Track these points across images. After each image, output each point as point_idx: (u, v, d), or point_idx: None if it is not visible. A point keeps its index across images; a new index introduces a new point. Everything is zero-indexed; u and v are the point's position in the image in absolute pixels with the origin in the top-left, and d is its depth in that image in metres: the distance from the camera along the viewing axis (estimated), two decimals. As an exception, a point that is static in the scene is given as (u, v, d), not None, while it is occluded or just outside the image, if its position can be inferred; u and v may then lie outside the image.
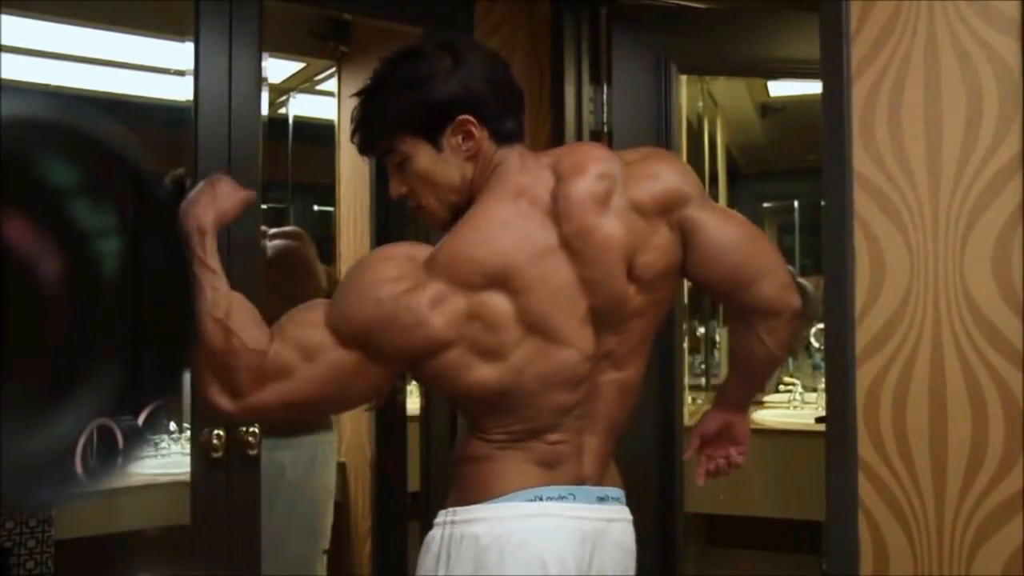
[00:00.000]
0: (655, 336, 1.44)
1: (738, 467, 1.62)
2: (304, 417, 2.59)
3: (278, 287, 2.50)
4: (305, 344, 1.25)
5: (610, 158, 1.37)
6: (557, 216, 1.31)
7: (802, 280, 4.39)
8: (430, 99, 1.32)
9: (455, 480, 1.39)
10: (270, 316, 1.30)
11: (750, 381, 1.59)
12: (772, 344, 1.46)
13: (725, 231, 1.40)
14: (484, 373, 1.28)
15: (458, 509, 1.34)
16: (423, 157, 1.34)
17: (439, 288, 1.25)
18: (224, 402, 1.25)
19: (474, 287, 1.26)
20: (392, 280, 1.25)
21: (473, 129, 1.32)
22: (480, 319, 1.26)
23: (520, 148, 1.37)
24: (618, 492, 1.44)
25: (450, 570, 1.31)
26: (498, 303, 1.26)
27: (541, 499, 1.33)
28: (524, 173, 1.34)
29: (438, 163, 1.34)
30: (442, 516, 1.35)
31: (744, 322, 1.47)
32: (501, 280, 1.26)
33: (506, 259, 1.27)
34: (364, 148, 1.40)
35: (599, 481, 1.41)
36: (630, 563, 1.43)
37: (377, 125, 1.36)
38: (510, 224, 1.30)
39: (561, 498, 1.34)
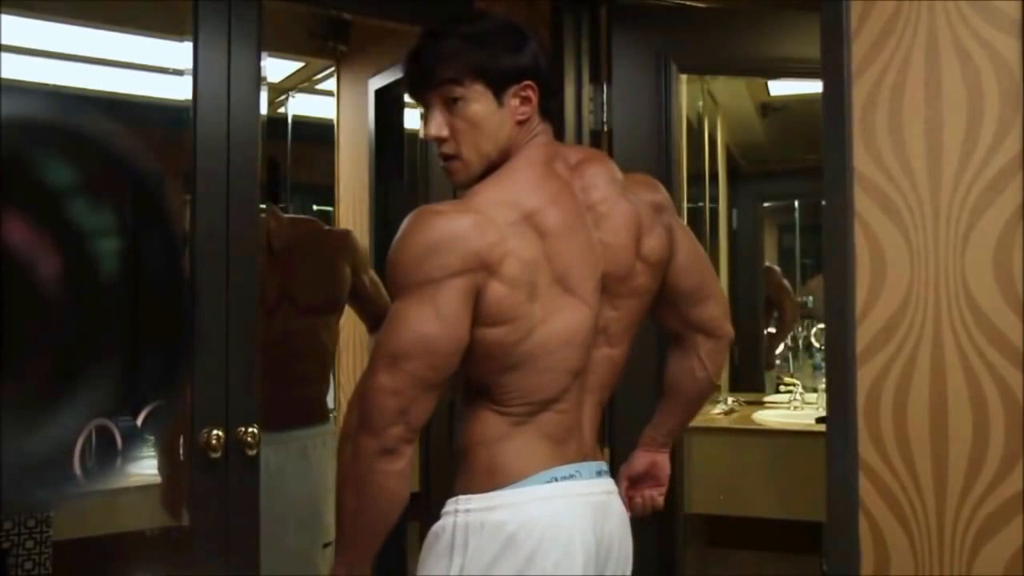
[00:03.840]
0: (637, 331, 1.51)
1: (658, 508, 1.68)
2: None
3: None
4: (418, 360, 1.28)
5: (613, 165, 1.51)
6: (584, 187, 1.41)
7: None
8: (508, 57, 1.38)
9: (467, 466, 1.38)
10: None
11: (685, 410, 1.67)
12: (711, 368, 1.60)
13: (694, 249, 1.57)
14: (532, 309, 1.31)
15: (473, 497, 1.34)
16: (483, 104, 1.38)
17: (478, 217, 1.29)
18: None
19: (510, 223, 1.31)
20: (432, 227, 1.29)
21: (532, 95, 1.40)
22: (513, 254, 1.29)
23: (550, 128, 1.46)
24: (607, 466, 1.50)
25: (468, 559, 1.31)
26: (531, 238, 1.31)
27: (556, 479, 1.36)
28: (553, 146, 1.44)
29: (493, 115, 1.38)
30: (452, 505, 1.36)
31: (686, 347, 1.61)
32: (533, 220, 1.32)
33: (539, 204, 1.34)
34: (426, 78, 1.40)
35: (595, 456, 1.46)
36: (628, 532, 1.49)
37: (450, 60, 1.38)
38: (544, 183, 1.37)
39: (571, 476, 1.38)
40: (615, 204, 1.42)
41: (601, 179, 1.43)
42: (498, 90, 1.38)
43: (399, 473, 1.29)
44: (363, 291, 2.63)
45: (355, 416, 1.30)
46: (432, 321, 1.26)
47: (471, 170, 1.39)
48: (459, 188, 1.42)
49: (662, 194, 1.52)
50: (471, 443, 1.38)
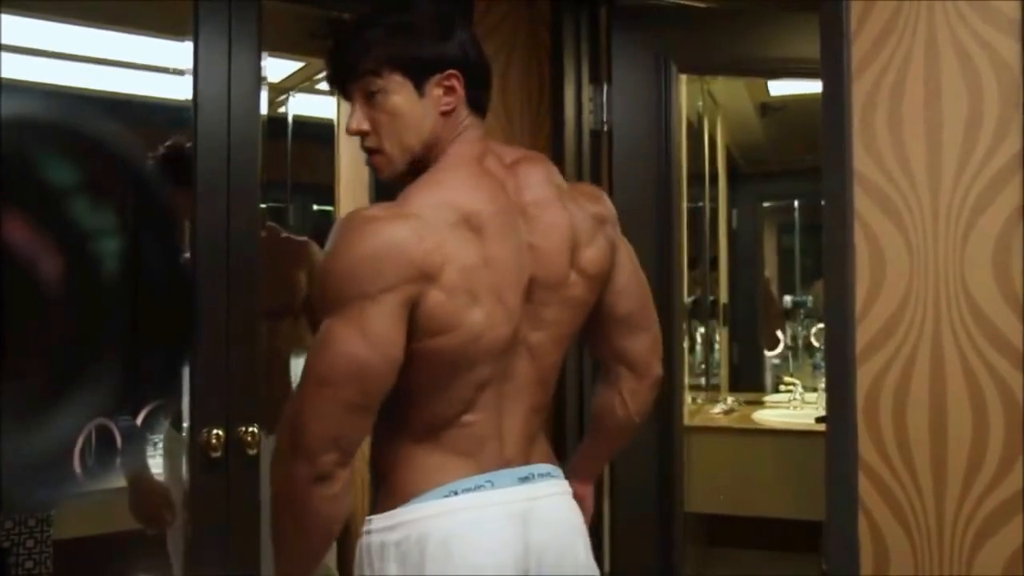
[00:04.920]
0: (571, 342, 1.44)
1: None
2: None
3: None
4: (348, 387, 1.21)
5: (554, 168, 1.45)
6: (517, 187, 1.35)
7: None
8: (428, 46, 1.33)
9: (376, 486, 1.37)
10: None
11: (605, 445, 1.62)
12: (633, 408, 1.52)
13: (635, 273, 1.50)
14: (472, 317, 1.25)
15: (374, 517, 1.33)
16: (403, 95, 1.32)
17: (417, 222, 1.23)
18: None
19: (450, 225, 1.25)
20: (365, 237, 1.22)
21: (457, 85, 1.34)
22: (453, 260, 1.23)
23: (482, 123, 1.40)
24: (547, 468, 1.42)
25: None
26: (470, 241, 1.26)
27: (456, 493, 1.31)
28: (485, 142, 1.38)
29: (415, 106, 1.32)
30: (365, 525, 1.34)
31: (610, 380, 1.54)
32: (472, 223, 1.26)
33: (479, 206, 1.28)
34: (344, 71, 1.35)
35: (525, 461, 1.38)
36: (573, 536, 1.41)
37: (368, 51, 1.33)
38: (480, 182, 1.32)
39: (478, 488, 1.32)
40: (548, 207, 1.35)
41: (536, 179, 1.37)
42: (418, 80, 1.32)
43: (334, 497, 1.24)
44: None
45: (286, 440, 1.24)
46: (362, 343, 1.19)
47: (395, 164, 1.34)
48: (386, 182, 1.38)
49: (606, 207, 1.46)
50: (376, 463, 1.37)
